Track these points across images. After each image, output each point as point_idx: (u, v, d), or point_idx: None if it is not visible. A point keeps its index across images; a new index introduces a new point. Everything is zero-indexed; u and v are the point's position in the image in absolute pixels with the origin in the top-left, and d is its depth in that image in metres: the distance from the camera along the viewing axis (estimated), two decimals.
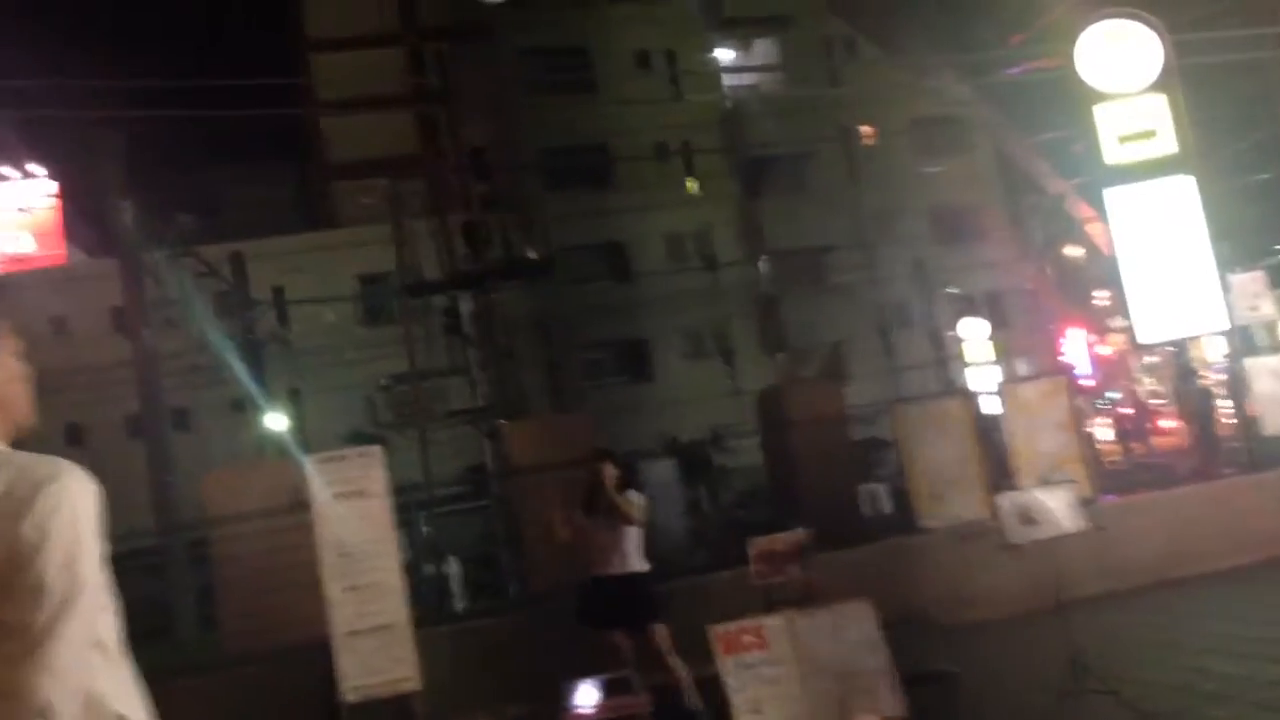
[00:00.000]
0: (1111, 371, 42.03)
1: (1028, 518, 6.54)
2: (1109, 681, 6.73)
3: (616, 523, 7.53)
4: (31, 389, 2.03)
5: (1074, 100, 9.46)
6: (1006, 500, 6.91)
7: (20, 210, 32.97)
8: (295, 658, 8.65)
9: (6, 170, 32.88)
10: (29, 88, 16.48)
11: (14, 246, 33.53)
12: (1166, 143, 9.34)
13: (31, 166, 33.15)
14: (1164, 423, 33.83)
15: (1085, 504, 7.31)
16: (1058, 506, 6.63)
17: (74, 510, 1.71)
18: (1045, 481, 9.56)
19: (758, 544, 8.01)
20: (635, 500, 7.64)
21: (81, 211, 32.81)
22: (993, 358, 30.55)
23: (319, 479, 9.95)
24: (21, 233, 33.88)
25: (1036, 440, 10.10)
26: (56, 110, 17.14)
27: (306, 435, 25.95)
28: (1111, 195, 9.01)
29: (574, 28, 32.77)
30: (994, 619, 9.47)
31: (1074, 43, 9.08)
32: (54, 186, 33.89)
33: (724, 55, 33.75)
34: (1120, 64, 9.15)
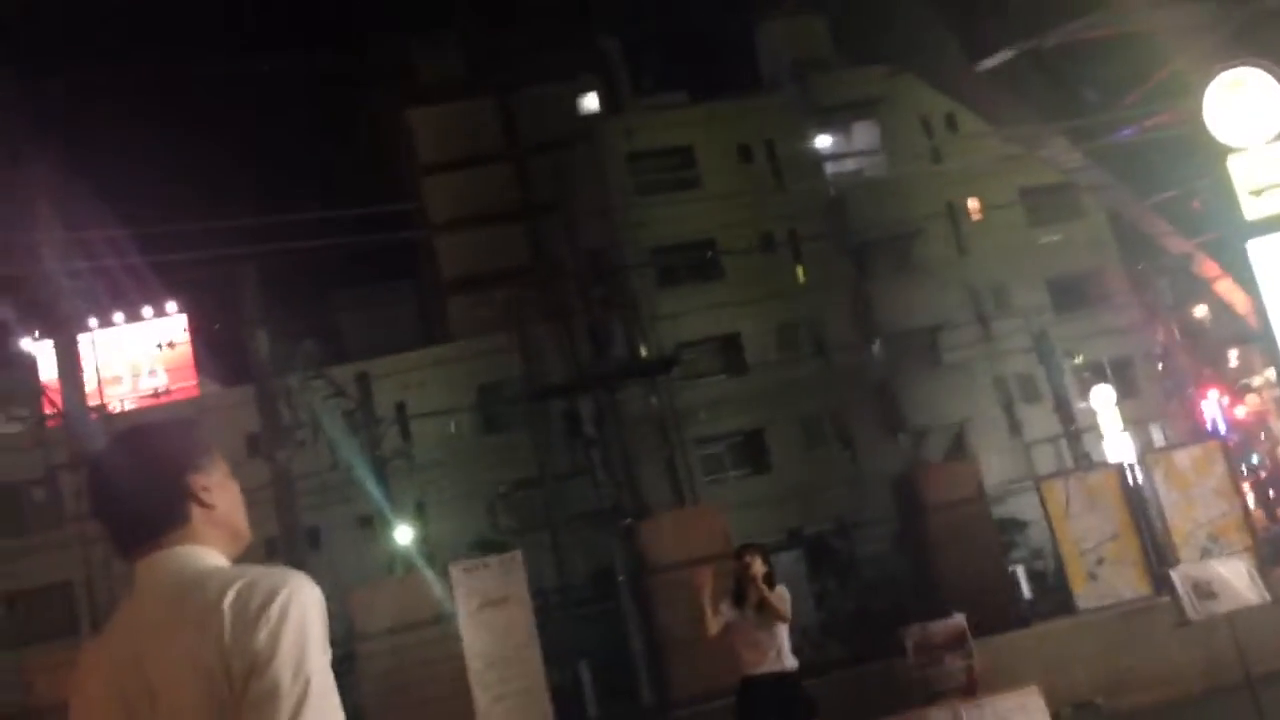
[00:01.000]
0: (1249, 433, 40.15)
1: (1205, 591, 6.20)
2: None
3: (768, 620, 7.35)
4: (243, 506, 2.10)
5: (1203, 155, 9.24)
6: (1180, 574, 6.57)
7: (158, 347, 34.58)
8: None
9: (144, 310, 34.59)
10: (163, 231, 17.49)
11: (150, 382, 35.14)
12: None
13: (166, 305, 34.84)
14: None
15: (1263, 573, 6.92)
16: (1236, 578, 6.28)
17: (302, 618, 1.78)
18: (1206, 552, 9.13)
19: (914, 633, 7.75)
20: (785, 595, 7.49)
21: (211, 343, 34.26)
22: (1122, 426, 29.54)
23: (463, 588, 10.07)
24: (157, 368, 35.50)
25: (1194, 510, 9.65)
26: (190, 252, 18.06)
27: (432, 546, 26.32)
28: (1254, 249, 8.69)
29: (675, 128, 33.50)
30: (1167, 701, 8.96)
31: (1198, 97, 8.89)
32: (185, 321, 35.52)
33: (823, 142, 34.03)
34: (1246, 114, 8.92)
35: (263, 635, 1.73)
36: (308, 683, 1.73)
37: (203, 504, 1.94)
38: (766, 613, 7.30)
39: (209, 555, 1.92)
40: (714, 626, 7.37)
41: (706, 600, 7.34)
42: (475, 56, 38.94)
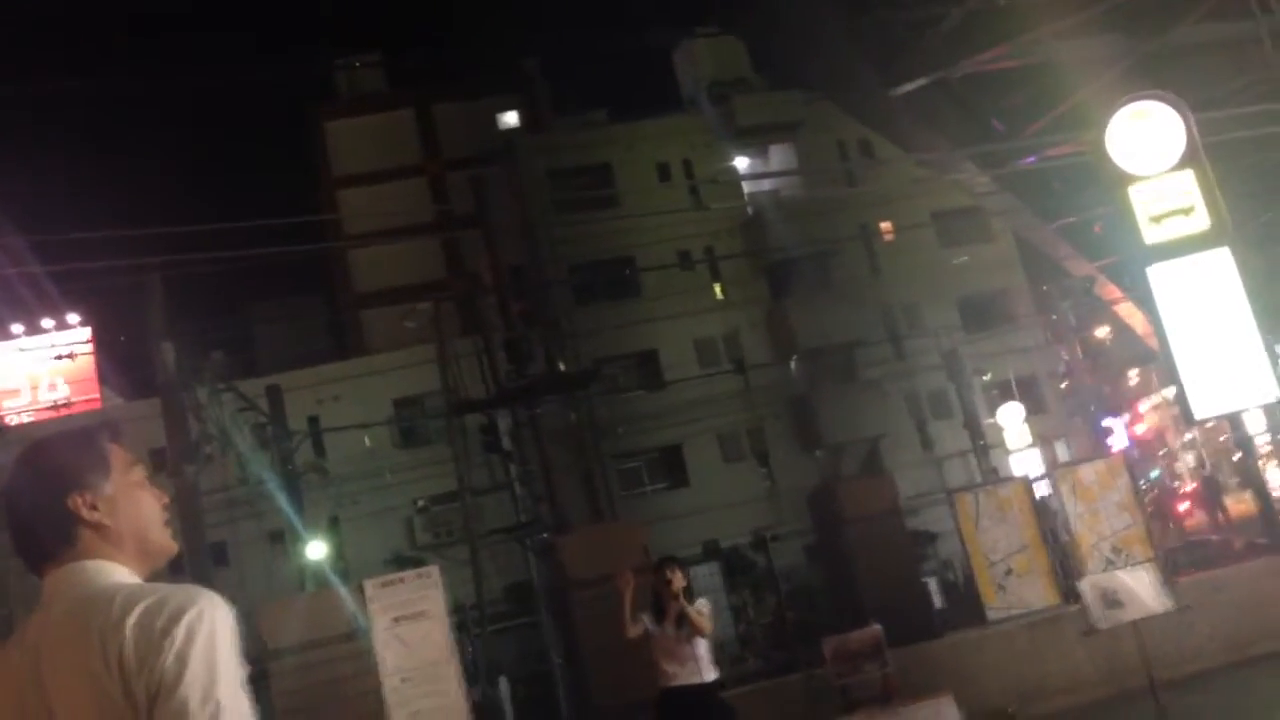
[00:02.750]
0: (1148, 450, 41.65)
1: (1112, 600, 6.42)
2: None
3: (688, 633, 7.41)
4: (166, 516, 2.04)
5: (1104, 183, 9.60)
6: (1088, 584, 6.80)
7: (58, 358, 33.54)
8: None
9: (44, 322, 33.53)
10: (64, 241, 16.98)
11: (50, 395, 34.04)
12: (1201, 219, 9.43)
13: (68, 316, 33.82)
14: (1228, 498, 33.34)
15: (1166, 583, 7.19)
16: (1141, 587, 6.52)
17: (211, 639, 1.72)
18: (1110, 564, 9.46)
19: (832, 643, 7.87)
20: (705, 609, 7.56)
21: (115, 356, 33.35)
22: (1030, 442, 30.39)
23: (378, 604, 9.94)
24: (57, 380, 34.42)
25: (1098, 522, 9.99)
26: (94, 261, 17.54)
27: (346, 562, 25.88)
28: (1154, 274, 9.05)
29: (595, 146, 33.63)
30: (1074, 707, 9.24)
31: (1101, 127, 9.23)
32: (88, 333, 34.51)
33: (741, 163, 34.48)
34: (1147, 144, 9.30)
35: (169, 657, 1.68)
36: (217, 706, 1.67)
37: (89, 524, 1.87)
38: (686, 626, 7.36)
39: (113, 571, 1.86)
40: (633, 630, 7.42)
41: (628, 601, 7.38)
42: (395, 71, 38.72)
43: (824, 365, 32.25)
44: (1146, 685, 6.86)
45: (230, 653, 1.75)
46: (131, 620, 1.71)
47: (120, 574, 1.86)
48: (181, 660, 1.68)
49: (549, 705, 14.09)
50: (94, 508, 1.88)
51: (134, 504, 1.94)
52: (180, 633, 1.70)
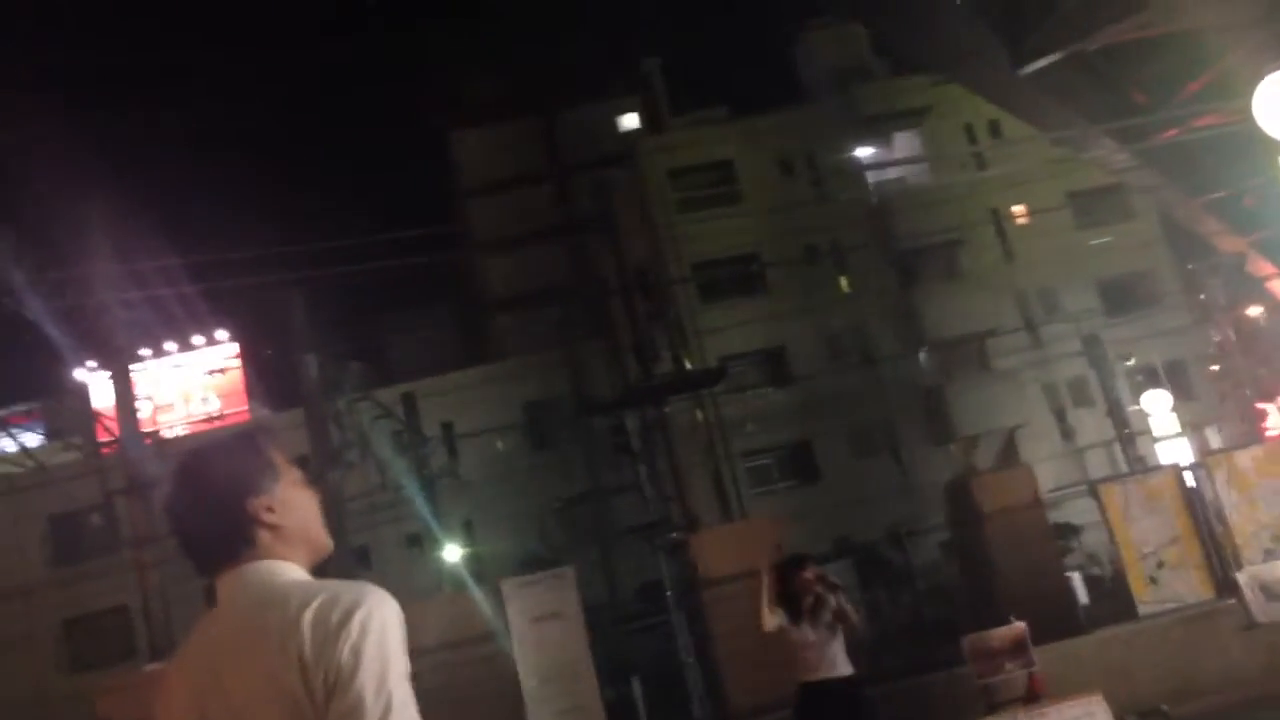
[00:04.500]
0: None
1: (1273, 593, 6.04)
2: None
3: (826, 627, 7.29)
4: (321, 515, 2.08)
5: (1253, 152, 9.10)
6: (1247, 576, 6.41)
7: (209, 373, 35.17)
8: None
9: (194, 339, 35.21)
10: (212, 262, 17.75)
11: (203, 408, 35.74)
12: None
13: (217, 333, 35.43)
14: None
15: None
16: None
17: (383, 633, 1.76)
18: (1270, 554, 8.94)
19: (972, 640, 7.61)
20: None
21: (260, 369, 34.77)
22: (1178, 430, 29.05)
23: (515, 604, 10.10)
24: (209, 394, 36.11)
25: (1256, 511, 9.44)
26: (238, 279, 18.27)
27: (481, 564, 26.44)
28: None
29: (715, 144, 33.57)
30: (1233, 705, 8.74)
31: (1250, 94, 8.74)
32: (235, 348, 36.11)
33: (865, 152, 33.91)
34: None
35: (344, 651, 1.72)
36: (390, 699, 1.71)
37: (267, 525, 1.93)
38: (821, 618, 7.24)
39: (288, 569, 1.92)
40: (770, 622, 7.31)
41: (766, 591, 7.29)
42: (517, 79, 39.36)
43: (956, 356, 31.46)
44: None
45: (399, 647, 1.79)
46: (308, 617, 1.76)
47: (294, 571, 1.93)
48: (356, 654, 1.72)
49: (681, 704, 14.06)
50: (270, 510, 1.93)
51: (300, 504, 2.00)
52: (355, 627, 1.74)
